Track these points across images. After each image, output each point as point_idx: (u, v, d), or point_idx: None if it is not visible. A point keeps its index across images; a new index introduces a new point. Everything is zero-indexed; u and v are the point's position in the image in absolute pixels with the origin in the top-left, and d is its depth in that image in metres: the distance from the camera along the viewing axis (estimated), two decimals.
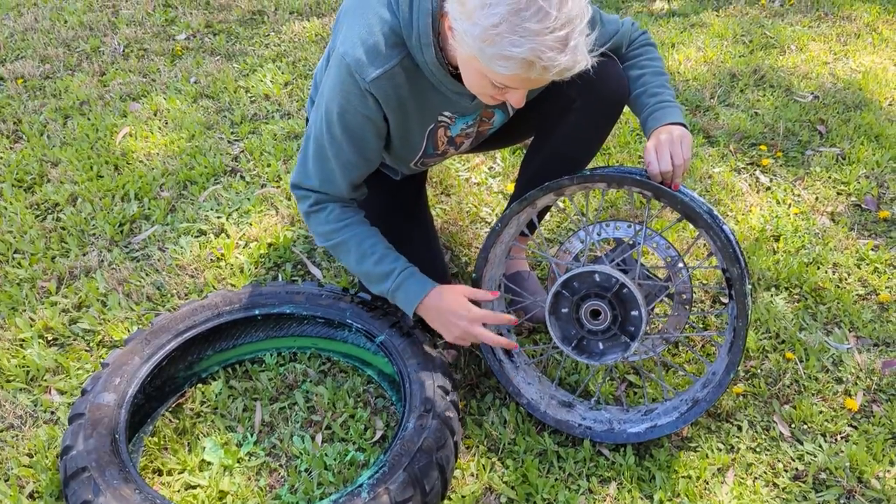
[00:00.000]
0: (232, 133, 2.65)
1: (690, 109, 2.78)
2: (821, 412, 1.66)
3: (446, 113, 1.53)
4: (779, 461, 1.56)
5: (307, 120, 1.90)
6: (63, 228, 2.20)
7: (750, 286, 1.47)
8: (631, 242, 1.69)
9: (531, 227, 1.84)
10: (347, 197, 1.57)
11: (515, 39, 1.14)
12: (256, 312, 1.70)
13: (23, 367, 1.75)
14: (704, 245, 2.15)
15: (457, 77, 1.41)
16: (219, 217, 2.25)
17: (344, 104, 1.42)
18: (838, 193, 2.35)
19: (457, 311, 1.51)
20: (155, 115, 2.75)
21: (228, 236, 2.16)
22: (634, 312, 1.49)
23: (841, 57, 3.11)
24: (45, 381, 1.72)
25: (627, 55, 1.65)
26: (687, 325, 1.85)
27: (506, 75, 1.21)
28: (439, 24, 1.33)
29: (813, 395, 1.70)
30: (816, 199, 2.33)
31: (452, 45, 1.32)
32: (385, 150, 1.60)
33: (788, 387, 1.72)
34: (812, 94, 2.85)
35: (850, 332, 1.86)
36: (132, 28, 3.35)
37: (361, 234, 1.56)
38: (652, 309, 1.60)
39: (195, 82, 2.95)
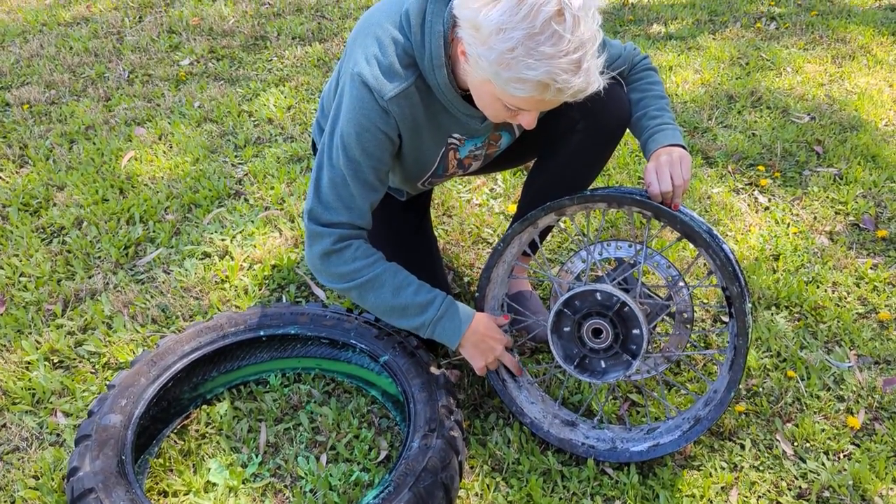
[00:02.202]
0: (236, 156, 2.68)
1: (689, 131, 2.81)
2: (823, 430, 1.67)
3: (456, 135, 1.55)
4: (782, 479, 1.57)
5: (313, 145, 1.93)
6: (69, 251, 2.22)
7: (750, 304, 1.49)
8: (632, 262, 1.70)
9: (533, 246, 1.86)
10: (367, 225, 1.54)
11: (531, 63, 1.17)
12: (261, 333, 1.71)
13: (28, 389, 1.76)
14: (704, 264, 2.16)
15: (467, 99, 1.44)
16: (223, 239, 2.27)
17: (363, 122, 1.42)
18: (836, 213, 2.37)
19: (495, 337, 1.59)
20: (160, 139, 2.79)
21: (233, 258, 2.18)
22: (636, 331, 1.50)
23: (836, 78, 3.14)
24: (51, 403, 1.73)
25: (630, 79, 1.69)
26: (688, 344, 1.86)
27: (521, 97, 1.25)
28: (450, 48, 1.36)
29: (815, 413, 1.71)
30: (815, 218, 2.35)
31: (465, 69, 1.35)
32: (395, 172, 1.63)
33: (790, 405, 1.73)
34: (808, 115, 2.88)
35: (850, 350, 1.87)
36: (137, 54, 3.40)
37: (394, 268, 1.54)
38: (653, 327, 1.61)
39: (199, 107, 2.99)
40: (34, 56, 3.39)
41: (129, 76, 3.24)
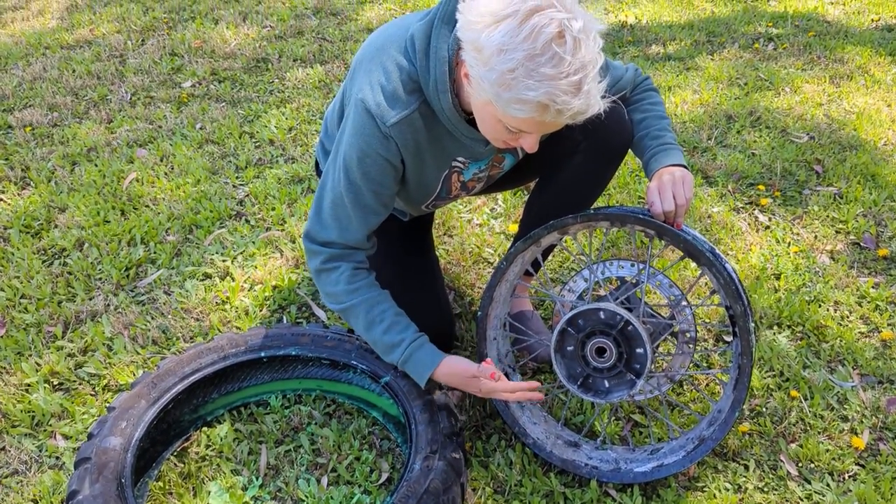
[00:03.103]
0: (237, 178, 2.69)
1: (689, 150, 2.82)
2: (827, 451, 1.65)
3: (460, 158, 1.56)
4: (787, 501, 1.56)
5: (316, 165, 1.93)
6: (70, 273, 2.22)
7: (753, 324, 1.48)
8: (634, 281, 1.70)
9: (535, 266, 1.86)
10: (362, 247, 1.56)
11: (531, 84, 1.18)
12: (262, 355, 1.71)
13: (28, 412, 1.76)
14: (706, 283, 2.16)
15: (471, 123, 1.45)
16: (224, 260, 2.27)
17: (364, 148, 1.44)
18: (837, 232, 2.37)
19: (467, 375, 1.53)
20: (161, 160, 2.80)
21: (233, 279, 2.18)
22: (639, 350, 1.50)
23: (835, 98, 3.16)
24: (51, 425, 1.72)
25: (631, 98, 1.70)
26: (691, 364, 1.85)
27: (521, 118, 1.25)
28: (455, 72, 1.37)
29: (819, 433, 1.70)
30: (815, 237, 2.35)
31: (468, 92, 1.35)
32: (399, 195, 1.63)
33: (794, 425, 1.72)
34: (807, 134, 2.90)
35: (853, 369, 1.86)
36: (139, 76, 3.42)
37: (371, 300, 1.54)
38: (656, 347, 1.61)
39: (201, 128, 3.00)
40: (37, 79, 3.41)
41: (131, 98, 3.25)
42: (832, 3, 4.16)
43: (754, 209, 2.49)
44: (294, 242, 2.34)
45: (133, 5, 4.21)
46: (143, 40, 3.80)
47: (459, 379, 1.54)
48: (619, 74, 1.65)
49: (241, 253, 2.30)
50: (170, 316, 2.04)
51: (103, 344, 1.95)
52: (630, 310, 1.63)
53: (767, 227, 2.40)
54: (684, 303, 1.70)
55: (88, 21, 4.02)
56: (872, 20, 3.94)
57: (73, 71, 3.48)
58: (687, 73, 3.39)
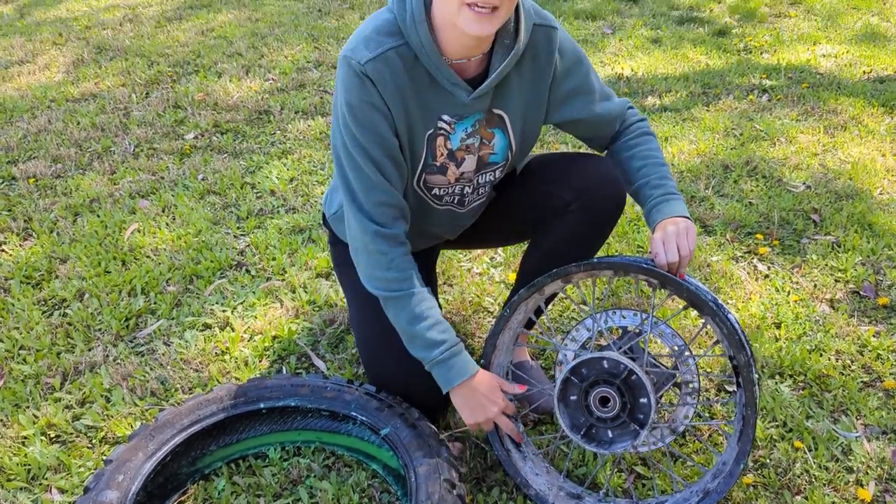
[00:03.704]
0: (238, 228, 2.71)
1: (687, 199, 2.84)
2: (833, 503, 1.63)
3: (445, 117, 1.52)
4: None
5: (323, 217, 1.93)
6: (69, 324, 2.21)
7: (756, 374, 1.48)
8: (637, 331, 1.70)
9: (536, 313, 1.86)
10: (398, 206, 1.54)
11: None
12: (261, 406, 1.69)
13: (24, 465, 1.73)
14: (707, 333, 2.16)
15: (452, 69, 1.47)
16: (224, 311, 2.26)
17: (348, 98, 1.45)
18: (836, 281, 2.38)
19: (492, 398, 1.56)
20: (163, 211, 2.82)
21: (233, 329, 2.18)
22: (643, 399, 1.49)
23: (829, 148, 3.20)
24: (46, 479, 1.70)
25: (627, 142, 1.69)
26: (694, 415, 1.83)
27: None
28: (430, 9, 1.41)
29: (824, 485, 1.68)
30: (815, 286, 2.35)
31: (435, 6, 1.39)
32: None
33: (799, 476, 1.70)
34: (804, 184, 2.92)
35: (857, 419, 1.85)
36: (143, 128, 3.47)
37: (421, 295, 1.54)
38: (660, 397, 1.60)
39: (203, 179, 3.03)
40: (42, 131, 3.46)
41: (134, 150, 3.29)
42: (824, 56, 4.24)
43: (753, 258, 2.50)
44: (294, 292, 2.34)
45: (138, 59, 4.29)
46: (147, 93, 3.86)
47: (477, 400, 1.56)
48: (609, 111, 1.67)
49: (242, 303, 2.30)
50: (169, 367, 2.04)
51: (101, 395, 1.93)
52: (633, 359, 1.62)
53: (767, 276, 2.41)
54: (687, 353, 1.70)
55: (94, 75, 4.09)
56: (864, 72, 4.01)
57: (78, 123, 3.53)
58: (683, 124, 3.44)
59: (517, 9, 1.47)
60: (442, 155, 1.59)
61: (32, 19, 5.01)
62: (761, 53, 4.33)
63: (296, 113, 3.63)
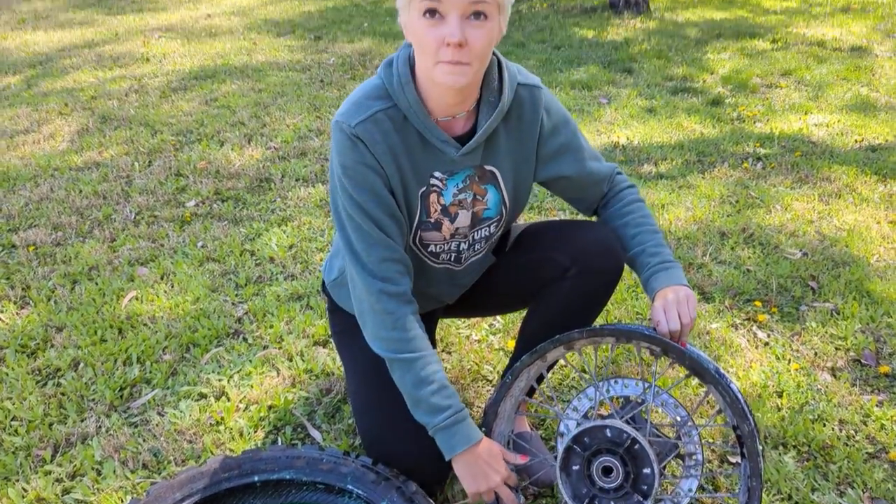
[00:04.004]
0: (236, 295, 2.70)
1: (684, 266, 2.85)
2: None
3: (437, 174, 1.56)
4: None
5: (323, 284, 1.94)
6: (63, 394, 2.19)
7: (761, 445, 1.45)
8: (639, 400, 1.68)
9: (538, 380, 1.85)
10: (404, 259, 1.56)
11: None
12: (255, 479, 1.66)
13: None
14: (710, 402, 2.13)
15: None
16: (220, 380, 2.24)
17: (342, 160, 1.49)
18: (836, 349, 2.37)
19: (495, 467, 1.54)
20: (162, 278, 2.82)
21: (229, 399, 2.15)
22: (647, 470, 1.46)
23: (825, 215, 3.23)
24: None
25: (619, 210, 1.71)
26: (698, 487, 1.80)
27: None
28: (415, 72, 1.48)
29: None
30: (815, 354, 2.34)
31: (416, 63, 1.45)
32: None
33: None
34: (801, 251, 2.94)
35: (863, 492, 1.81)
36: (144, 196, 3.50)
37: (427, 359, 1.54)
38: (663, 468, 1.57)
39: (202, 247, 3.05)
40: (44, 199, 3.49)
41: (135, 217, 3.32)
42: (816, 125, 4.32)
43: (752, 325, 2.49)
44: (291, 361, 2.33)
45: (142, 128, 4.37)
46: (150, 161, 3.91)
47: (479, 468, 1.53)
48: (597, 174, 1.70)
49: (238, 372, 2.28)
50: (162, 438, 2.00)
51: (92, 468, 1.89)
52: (636, 430, 1.60)
53: (767, 344, 2.39)
54: (690, 423, 1.67)
55: (98, 144, 4.16)
56: (856, 141, 4.08)
57: (80, 191, 3.56)
58: (679, 191, 3.48)
59: (500, 69, 1.54)
60: (436, 211, 1.61)
61: (39, 90, 5.12)
62: (754, 122, 4.41)
63: (296, 180, 3.67)
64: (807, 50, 5.88)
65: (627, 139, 4.15)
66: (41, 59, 5.87)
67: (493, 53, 1.52)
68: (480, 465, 1.54)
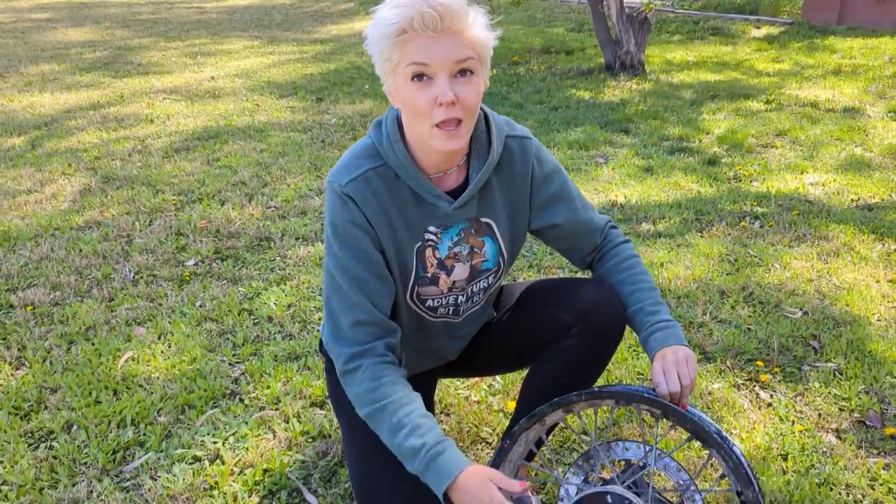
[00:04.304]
0: (233, 355, 2.68)
1: (684, 326, 2.83)
2: None
3: (431, 228, 1.57)
4: None
5: (320, 344, 1.93)
6: (55, 457, 2.15)
7: None
8: (640, 464, 1.65)
9: (537, 444, 1.81)
10: (376, 323, 1.52)
11: (382, 12, 1.37)
12: None
13: None
14: (713, 465, 2.09)
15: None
16: (215, 442, 2.21)
17: (332, 218, 1.52)
18: (841, 410, 2.33)
19: (485, 492, 1.38)
20: (159, 338, 2.80)
21: (224, 462, 2.11)
22: None
23: (824, 274, 3.23)
24: None
25: (616, 267, 1.70)
26: None
27: (403, 46, 1.36)
28: (403, 130, 1.51)
29: None
30: (819, 415, 2.31)
31: (405, 125, 1.47)
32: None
33: None
34: (801, 309, 2.93)
35: None
36: (144, 255, 3.51)
37: (398, 402, 1.46)
38: None
39: (201, 306, 3.04)
40: (43, 259, 3.50)
41: (134, 277, 3.32)
42: (812, 184, 4.36)
43: (755, 386, 2.46)
44: (287, 423, 2.29)
45: (144, 188, 4.41)
46: (150, 221, 3.94)
47: (471, 494, 1.39)
48: (598, 225, 1.72)
49: (233, 434, 2.25)
50: (154, 503, 1.96)
51: None
52: (638, 494, 1.56)
53: (770, 405, 2.36)
54: (693, 488, 1.64)
55: (99, 203, 4.19)
56: (852, 200, 4.11)
57: (80, 251, 3.57)
58: (678, 250, 3.49)
59: (487, 122, 1.58)
60: (432, 265, 1.62)
61: (44, 150, 5.19)
62: (751, 181, 4.45)
63: (296, 239, 3.69)
64: (800, 111, 5.98)
65: (625, 198, 4.18)
66: (46, 120, 5.97)
67: (479, 107, 1.55)
68: (473, 493, 1.40)
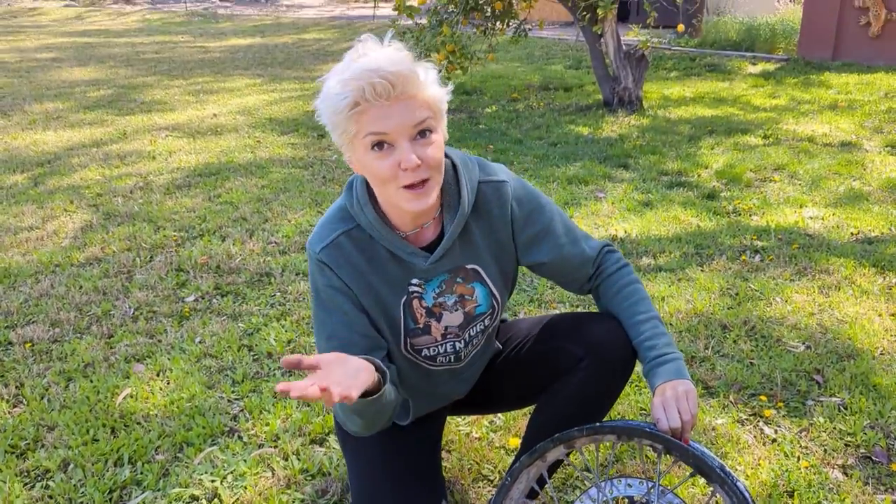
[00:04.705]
0: (233, 392, 2.66)
1: (687, 359, 2.82)
2: None
3: (414, 281, 1.57)
4: None
5: None
6: (51, 497, 2.12)
7: None
8: (644, 500, 1.63)
9: (539, 482, 1.79)
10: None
11: (330, 86, 1.37)
12: None
13: None
14: (717, 502, 2.06)
15: (406, 240, 1.54)
16: (213, 481, 2.18)
17: (313, 283, 1.55)
18: (846, 445, 2.31)
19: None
20: (158, 375, 2.78)
21: (221, 501, 2.08)
22: None
23: (825, 308, 3.22)
24: None
25: (612, 300, 1.69)
26: None
27: (358, 118, 1.34)
28: (372, 193, 1.52)
29: None
30: (825, 451, 2.28)
31: (356, 165, 1.46)
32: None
33: None
34: (803, 343, 2.91)
35: None
36: (144, 292, 3.50)
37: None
38: None
39: (200, 342, 3.02)
40: (43, 295, 3.49)
41: (133, 313, 3.31)
42: (811, 218, 4.37)
43: (759, 420, 2.44)
44: (287, 460, 2.27)
45: (145, 224, 4.42)
46: (151, 257, 3.94)
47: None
48: (584, 249, 1.69)
49: (232, 472, 2.22)
50: None
51: None
52: None
53: (774, 440, 2.34)
54: None
55: (100, 240, 4.20)
56: (852, 234, 4.12)
57: (80, 287, 3.57)
58: (679, 284, 3.48)
59: (456, 171, 1.57)
60: (421, 315, 1.62)
61: (46, 187, 5.21)
62: (750, 216, 4.46)
63: (296, 274, 3.69)
64: (797, 145, 6.02)
65: (625, 232, 4.19)
66: (49, 157, 6.01)
67: (446, 155, 1.55)
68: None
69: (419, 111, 1.37)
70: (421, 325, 1.63)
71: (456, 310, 1.64)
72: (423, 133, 1.39)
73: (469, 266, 1.61)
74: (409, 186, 1.40)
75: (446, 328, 1.65)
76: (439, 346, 1.67)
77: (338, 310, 1.54)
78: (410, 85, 1.35)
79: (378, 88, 1.32)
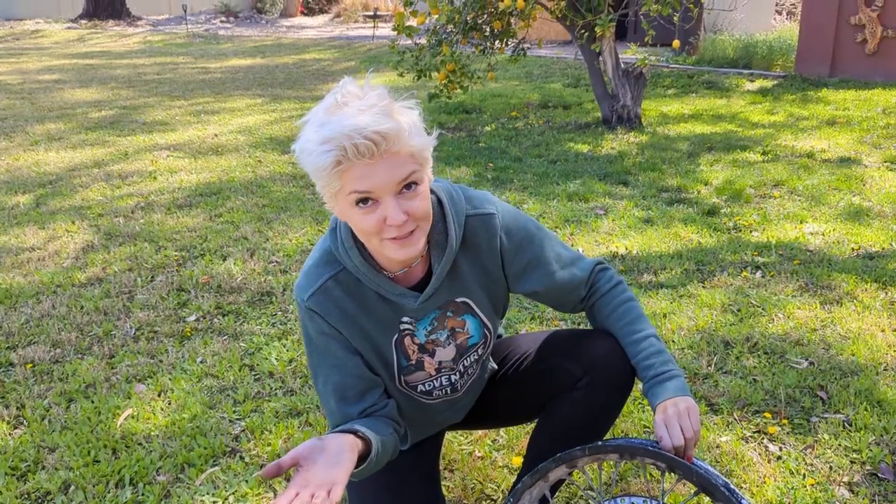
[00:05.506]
0: (234, 412, 2.65)
1: (689, 377, 2.81)
2: None
3: (405, 319, 1.56)
4: None
5: None
6: None
7: None
8: None
9: (542, 502, 1.78)
10: (363, 412, 1.56)
11: (310, 138, 1.32)
12: None
13: None
14: None
15: (394, 280, 1.52)
16: (215, 502, 2.16)
17: (304, 328, 1.54)
18: (852, 462, 2.29)
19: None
20: (159, 395, 2.77)
21: None
22: None
23: (828, 323, 3.21)
24: None
25: (607, 320, 1.67)
26: None
27: (341, 175, 1.31)
28: (356, 236, 1.49)
29: None
30: (830, 468, 2.27)
31: (338, 213, 1.43)
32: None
33: None
34: (806, 359, 2.90)
35: None
36: (145, 311, 3.50)
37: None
38: None
39: (201, 362, 3.02)
40: (44, 316, 3.49)
41: (135, 333, 3.30)
42: (812, 234, 4.38)
43: (763, 438, 2.43)
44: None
45: (146, 244, 4.42)
46: (152, 277, 3.94)
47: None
48: (575, 273, 1.67)
49: (233, 493, 2.20)
50: None
51: None
52: None
53: (779, 458, 2.32)
54: None
55: (102, 260, 4.20)
56: (852, 249, 4.12)
57: (81, 308, 3.57)
58: (680, 301, 3.48)
59: (442, 208, 1.54)
60: (414, 352, 1.61)
61: (48, 208, 5.22)
62: (751, 232, 4.47)
63: None
64: (797, 161, 6.04)
65: (626, 249, 4.19)
66: (51, 178, 6.03)
67: (431, 191, 1.51)
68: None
69: (404, 166, 1.32)
70: (413, 362, 1.63)
71: (448, 344, 1.64)
72: (409, 185, 1.35)
73: (459, 299, 1.61)
74: (395, 238, 1.37)
75: (440, 363, 1.65)
76: (434, 381, 1.67)
77: (331, 355, 1.54)
78: (394, 142, 1.29)
79: (361, 149, 1.27)
